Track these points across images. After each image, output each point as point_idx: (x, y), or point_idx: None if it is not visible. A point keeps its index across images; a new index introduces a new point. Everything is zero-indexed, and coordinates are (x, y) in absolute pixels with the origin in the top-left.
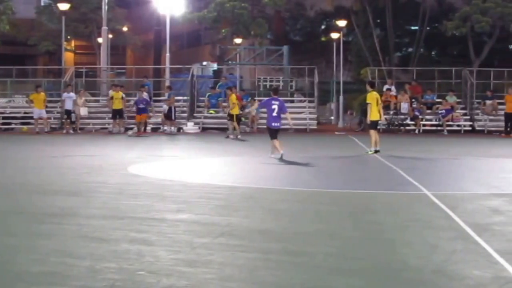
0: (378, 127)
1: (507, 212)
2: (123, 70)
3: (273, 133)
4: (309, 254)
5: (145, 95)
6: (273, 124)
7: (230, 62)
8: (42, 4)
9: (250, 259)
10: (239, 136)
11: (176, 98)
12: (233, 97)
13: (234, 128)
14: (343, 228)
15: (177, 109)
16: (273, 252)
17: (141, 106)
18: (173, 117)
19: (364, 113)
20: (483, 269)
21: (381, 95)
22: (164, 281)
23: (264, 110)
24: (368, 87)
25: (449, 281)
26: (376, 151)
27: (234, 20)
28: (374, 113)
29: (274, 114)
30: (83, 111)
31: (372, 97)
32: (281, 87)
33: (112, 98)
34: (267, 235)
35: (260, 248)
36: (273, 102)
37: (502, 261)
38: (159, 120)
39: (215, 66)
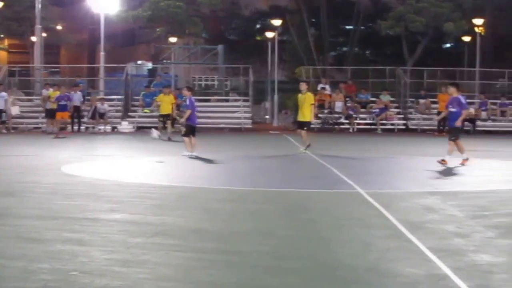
0: (312, 126)
1: (440, 210)
2: (57, 69)
3: (194, 130)
4: (244, 253)
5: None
6: (196, 121)
7: (165, 61)
8: None
9: (185, 259)
10: (169, 136)
11: (110, 97)
12: (161, 97)
13: (164, 127)
14: (278, 227)
15: (111, 108)
16: (208, 252)
17: (62, 102)
18: (96, 116)
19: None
20: (417, 266)
21: (315, 94)
22: (98, 281)
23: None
24: (304, 87)
25: (383, 279)
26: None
27: (169, 19)
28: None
29: (196, 112)
30: (14, 110)
31: (312, 97)
32: (216, 86)
33: (48, 97)
34: (202, 235)
35: (195, 247)
36: (194, 100)
37: (435, 259)
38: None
39: (150, 65)
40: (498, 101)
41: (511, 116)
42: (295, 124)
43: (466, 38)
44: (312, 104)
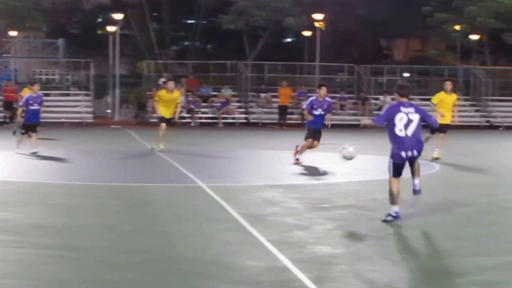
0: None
1: (280, 203)
2: None
3: (31, 127)
4: (85, 248)
5: None
6: (34, 119)
7: (4, 55)
8: None
9: (26, 255)
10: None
11: None
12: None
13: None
14: (120, 221)
15: None
16: (49, 247)
17: None
18: None
19: (140, 106)
20: (258, 259)
21: (157, 89)
22: None
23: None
24: (172, 85)
25: (225, 272)
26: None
27: (9, 12)
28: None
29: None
30: None
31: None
32: (57, 81)
33: None
34: (43, 230)
35: (36, 243)
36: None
37: (275, 251)
38: None
39: None
40: (338, 95)
41: (350, 109)
42: (162, 120)
43: (307, 33)
44: (178, 103)
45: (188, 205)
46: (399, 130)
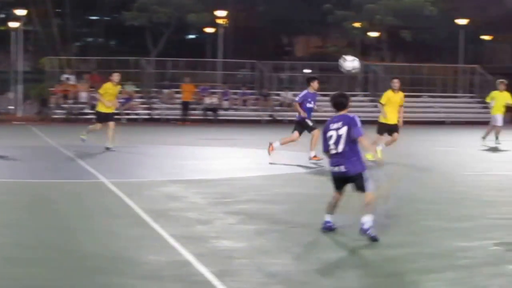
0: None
1: (182, 198)
2: None
3: None
4: None
5: None
6: None
7: None
8: None
9: None
10: None
11: None
12: None
13: None
14: (22, 218)
15: None
16: None
17: None
18: None
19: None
20: (160, 254)
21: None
22: None
23: None
24: (118, 77)
25: (128, 267)
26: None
27: None
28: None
29: None
30: None
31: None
32: None
33: None
34: None
35: None
36: None
37: (177, 246)
38: None
39: None
40: (240, 91)
41: (252, 105)
42: (100, 118)
43: (209, 30)
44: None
45: (91, 201)
46: (331, 150)
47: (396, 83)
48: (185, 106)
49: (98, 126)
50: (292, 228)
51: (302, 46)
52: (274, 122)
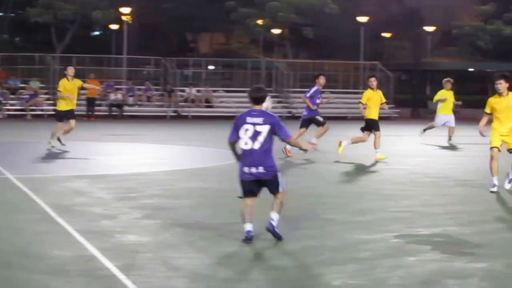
0: None
1: (88, 193)
2: None
3: None
4: None
5: None
6: None
7: None
8: None
9: None
10: None
11: None
12: None
13: None
14: None
15: None
16: None
17: None
18: None
19: None
20: (65, 248)
21: None
22: None
23: None
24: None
25: (34, 262)
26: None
27: None
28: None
29: None
30: None
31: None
32: None
33: None
34: None
35: None
36: None
37: (82, 240)
38: None
39: None
40: (144, 87)
41: (157, 101)
42: (60, 117)
43: (114, 26)
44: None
45: None
46: (244, 143)
47: (373, 81)
48: (90, 102)
49: (59, 125)
50: (196, 222)
51: (206, 43)
52: (178, 118)
